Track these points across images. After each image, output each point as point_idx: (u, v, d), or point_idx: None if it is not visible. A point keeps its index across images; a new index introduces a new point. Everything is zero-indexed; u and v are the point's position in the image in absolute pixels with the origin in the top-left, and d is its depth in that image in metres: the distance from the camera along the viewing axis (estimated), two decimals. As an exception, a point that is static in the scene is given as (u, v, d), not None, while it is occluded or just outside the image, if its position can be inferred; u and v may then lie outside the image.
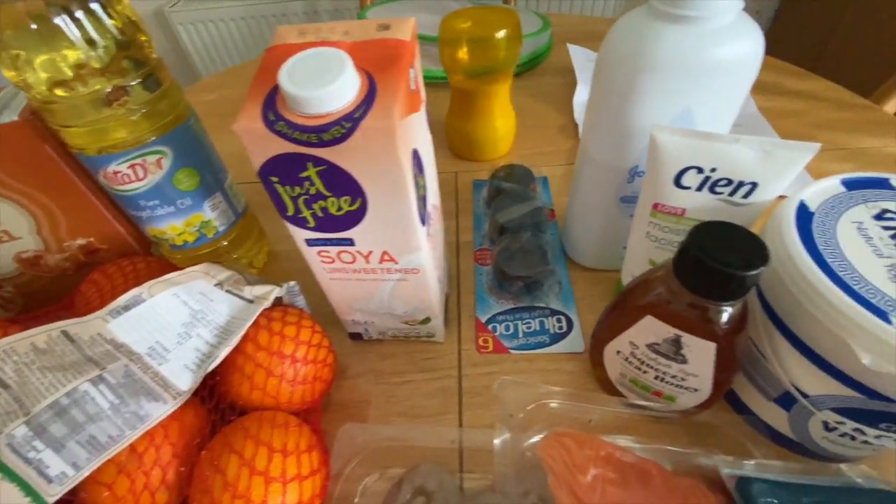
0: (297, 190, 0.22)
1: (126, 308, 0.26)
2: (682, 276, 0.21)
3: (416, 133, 0.25)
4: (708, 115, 0.26)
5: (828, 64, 1.33)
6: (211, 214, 0.34)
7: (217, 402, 0.27)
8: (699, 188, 0.25)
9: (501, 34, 0.42)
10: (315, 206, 0.23)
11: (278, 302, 0.31)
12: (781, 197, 0.25)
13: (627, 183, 0.31)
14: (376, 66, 0.21)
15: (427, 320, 0.32)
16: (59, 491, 0.21)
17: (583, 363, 0.33)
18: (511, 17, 0.43)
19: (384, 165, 0.21)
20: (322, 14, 1.34)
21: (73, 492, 0.21)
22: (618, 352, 0.27)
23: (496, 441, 0.24)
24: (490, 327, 0.36)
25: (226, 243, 0.37)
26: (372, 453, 0.28)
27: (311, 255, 0.27)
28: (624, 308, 0.26)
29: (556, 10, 1.37)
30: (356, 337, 0.35)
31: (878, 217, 0.23)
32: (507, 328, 0.36)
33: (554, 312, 0.36)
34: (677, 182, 0.26)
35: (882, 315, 0.19)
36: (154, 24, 1.40)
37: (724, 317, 0.22)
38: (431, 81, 0.64)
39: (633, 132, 0.28)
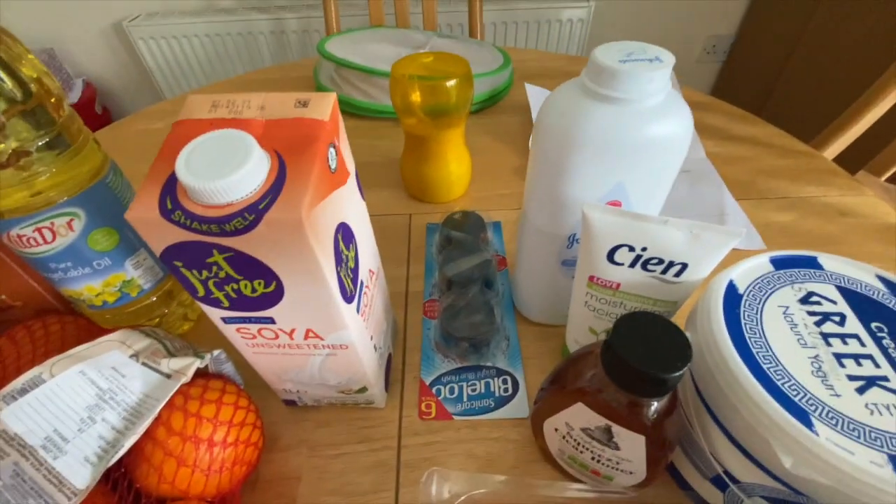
0: (206, 273, 0.21)
1: (22, 392, 0.24)
2: (609, 370, 0.21)
3: (343, 206, 0.23)
4: (640, 189, 0.26)
5: (777, 101, 1.39)
6: (133, 273, 0.32)
7: (121, 497, 0.24)
8: (632, 265, 0.25)
9: (451, 83, 0.42)
10: (227, 288, 0.22)
11: (203, 371, 0.29)
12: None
13: (567, 248, 0.31)
14: (289, 147, 0.20)
15: (364, 389, 0.31)
16: None
17: (527, 430, 0.32)
18: (462, 65, 0.43)
19: (296, 254, 0.19)
20: (289, 34, 1.33)
21: None
22: (556, 429, 0.26)
23: None
24: (434, 390, 0.34)
25: (154, 299, 0.34)
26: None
27: (229, 332, 0.25)
28: (560, 386, 0.25)
29: (522, 41, 1.39)
30: (290, 403, 0.33)
31: (804, 301, 0.24)
32: (452, 391, 0.34)
33: (500, 373, 0.35)
34: (610, 258, 0.25)
35: (804, 418, 0.19)
36: (114, 38, 1.36)
37: (652, 409, 0.21)
38: (391, 117, 0.64)
39: (567, 203, 0.27)
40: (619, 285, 0.26)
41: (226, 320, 0.24)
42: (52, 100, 0.26)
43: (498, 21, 1.35)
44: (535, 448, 0.31)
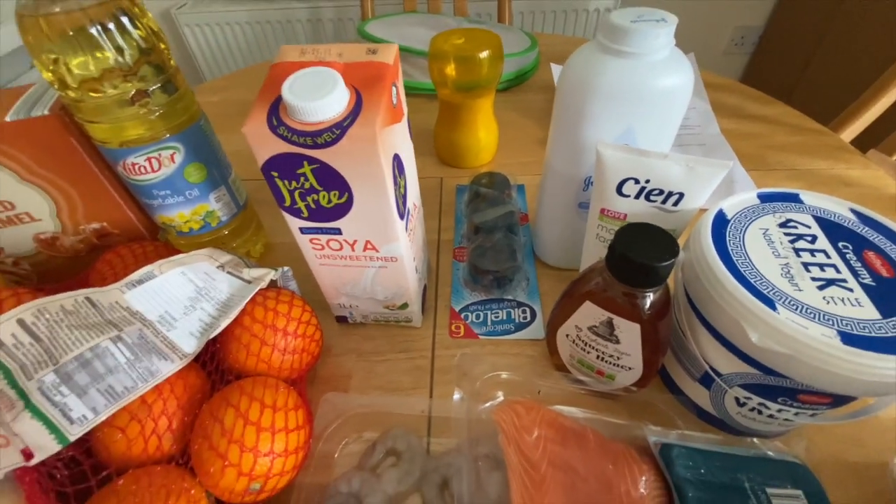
0: (294, 184, 0.26)
1: (140, 282, 0.30)
2: (612, 268, 0.26)
3: (398, 141, 0.29)
4: (648, 134, 0.31)
5: (804, 93, 1.39)
6: (215, 205, 0.38)
7: (217, 366, 0.30)
8: (637, 196, 0.30)
9: (485, 54, 0.47)
10: (309, 199, 0.27)
11: (273, 285, 0.35)
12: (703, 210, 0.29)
13: (583, 191, 0.35)
14: (363, 83, 0.25)
15: (405, 306, 0.36)
16: (80, 431, 0.24)
17: (542, 349, 0.37)
18: (494, 38, 0.48)
19: (367, 166, 0.25)
20: (325, 21, 1.39)
21: (90, 433, 0.25)
22: (567, 335, 0.31)
23: (455, 397, 0.28)
24: (462, 315, 0.40)
25: (227, 232, 0.41)
26: (350, 419, 0.32)
27: (303, 242, 0.31)
28: (571, 296, 0.30)
29: (550, 30, 1.43)
30: (342, 320, 0.39)
31: (783, 225, 0.28)
32: (478, 317, 0.40)
33: (520, 304, 0.41)
34: (619, 191, 0.30)
35: (769, 303, 0.24)
36: (161, 24, 1.45)
37: (647, 302, 0.26)
38: (425, 93, 0.69)
39: (584, 147, 0.32)
40: (625, 216, 0.31)
41: (302, 230, 0.30)
42: (165, 50, 0.32)
43: (526, 10, 1.38)
44: (550, 364, 0.36)
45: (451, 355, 0.37)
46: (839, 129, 0.69)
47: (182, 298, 0.30)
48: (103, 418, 0.25)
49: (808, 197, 0.30)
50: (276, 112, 0.24)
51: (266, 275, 0.33)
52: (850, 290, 0.24)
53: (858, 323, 0.23)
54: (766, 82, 1.55)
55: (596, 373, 0.32)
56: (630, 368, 0.29)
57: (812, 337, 0.22)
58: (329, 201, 0.27)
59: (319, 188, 0.27)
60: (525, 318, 0.39)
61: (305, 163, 0.25)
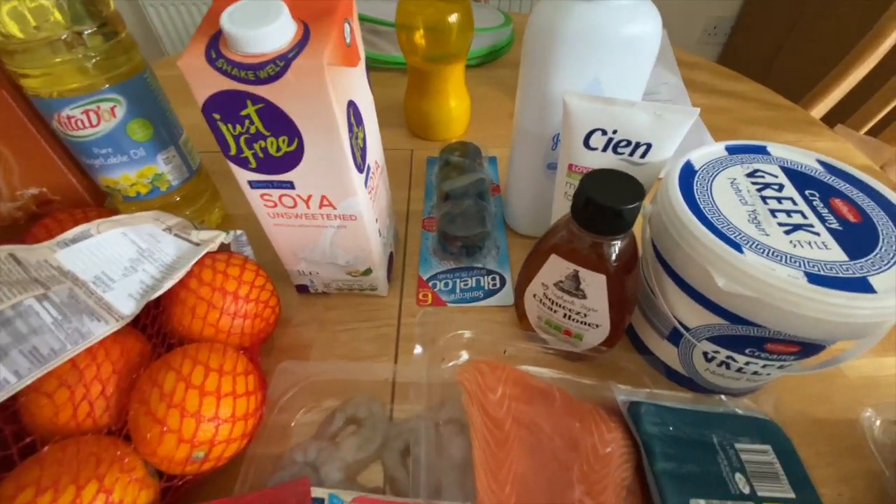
0: (238, 129, 0.24)
1: (74, 241, 0.28)
2: (577, 216, 0.25)
3: (354, 87, 0.27)
4: (615, 85, 0.30)
5: (777, 80, 1.42)
6: (164, 168, 0.36)
7: (159, 329, 0.28)
8: (604, 149, 0.29)
9: (454, 18, 0.45)
10: (255, 146, 0.25)
11: (226, 249, 0.33)
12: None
13: (551, 150, 0.34)
14: (312, 16, 0.23)
15: (369, 271, 0.34)
16: (1, 396, 0.22)
17: (511, 315, 0.36)
18: (463, 4, 0.46)
19: (316, 105, 0.23)
20: (297, 4, 1.35)
21: (14, 398, 0.23)
22: (534, 295, 0.30)
23: (416, 351, 0.27)
24: (431, 284, 0.38)
25: (178, 199, 0.38)
26: (308, 387, 0.30)
27: (254, 198, 0.29)
28: (537, 253, 0.29)
29: (527, 9, 1.42)
30: (303, 289, 0.37)
31: (750, 175, 0.27)
32: (447, 285, 0.38)
33: (490, 272, 0.39)
34: (586, 143, 0.29)
35: (736, 246, 0.23)
36: (124, 4, 1.38)
37: (614, 253, 0.25)
38: (397, 66, 0.67)
39: (551, 101, 0.31)
40: (593, 170, 0.30)
41: (252, 184, 0.28)
42: (103, -7, 0.29)
43: (502, -4, 1.37)
44: (519, 329, 0.35)
45: (416, 317, 0.35)
46: (809, 106, 0.70)
47: (121, 259, 0.28)
48: (27, 383, 0.23)
49: (776, 149, 0.29)
50: (216, 45, 0.22)
51: (216, 237, 0.31)
52: (817, 234, 0.24)
53: (825, 264, 0.22)
54: (739, 71, 1.58)
55: (563, 333, 0.31)
56: (597, 326, 0.29)
57: (779, 278, 0.21)
58: (278, 149, 0.25)
59: (266, 133, 0.25)
60: (494, 285, 0.38)
61: (249, 102, 0.23)
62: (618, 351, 0.32)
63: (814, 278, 0.21)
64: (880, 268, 0.22)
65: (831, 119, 0.70)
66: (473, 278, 0.39)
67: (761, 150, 0.29)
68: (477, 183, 0.42)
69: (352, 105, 0.27)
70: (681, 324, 0.27)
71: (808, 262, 0.22)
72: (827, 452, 0.29)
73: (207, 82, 0.22)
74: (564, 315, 0.29)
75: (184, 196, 0.39)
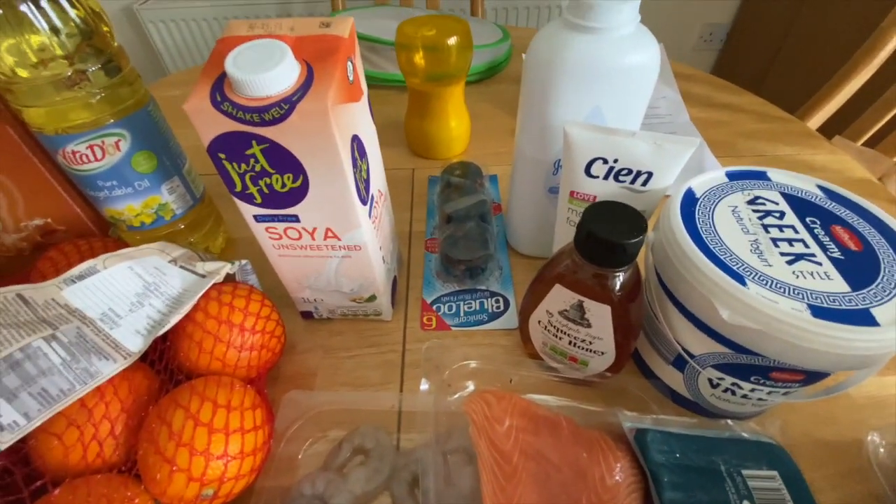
0: (244, 167, 0.25)
1: (80, 277, 0.28)
2: (581, 248, 0.25)
3: (357, 121, 0.27)
4: (616, 114, 0.30)
5: (773, 86, 1.43)
6: (168, 197, 0.36)
7: (166, 365, 0.28)
8: (606, 177, 0.29)
9: (453, 41, 0.46)
10: (261, 183, 0.26)
11: (231, 279, 0.33)
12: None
13: (552, 175, 0.34)
14: (316, 57, 0.24)
15: (373, 298, 0.35)
16: (11, 438, 0.22)
17: (515, 339, 0.36)
18: (462, 25, 0.47)
19: (321, 145, 0.23)
20: (295, 16, 1.36)
21: (24, 440, 0.23)
22: (538, 322, 0.30)
23: (422, 388, 0.27)
24: (434, 307, 0.39)
25: (183, 226, 0.38)
26: (315, 417, 0.30)
27: (259, 231, 0.29)
28: (541, 281, 0.29)
29: (524, 25, 1.43)
30: (307, 316, 0.37)
31: (751, 202, 0.28)
32: (451, 308, 0.38)
33: (493, 294, 0.39)
34: (587, 171, 0.29)
35: (739, 279, 0.23)
36: (124, 21, 1.39)
37: (617, 283, 0.25)
38: (396, 84, 0.67)
39: (552, 128, 0.31)
40: (595, 197, 0.30)
41: (257, 218, 0.28)
42: (106, 30, 0.30)
43: (500, 6, 1.38)
44: (524, 353, 0.35)
45: (422, 348, 0.35)
46: (806, 117, 0.71)
47: (128, 294, 0.28)
48: (37, 424, 0.23)
49: (776, 174, 0.29)
50: (221, 88, 0.23)
51: (221, 268, 0.31)
52: (819, 263, 0.24)
53: (828, 296, 0.22)
54: (735, 77, 1.58)
55: (569, 359, 0.31)
56: (602, 353, 0.29)
57: (782, 311, 0.21)
58: (283, 185, 0.26)
59: (272, 171, 0.25)
60: (498, 307, 0.38)
61: (254, 142, 0.23)
62: (624, 376, 0.32)
63: (817, 311, 0.21)
64: (882, 299, 0.22)
65: (830, 129, 0.70)
66: (477, 301, 0.39)
67: (762, 176, 0.29)
68: (478, 204, 0.43)
69: (355, 139, 0.27)
70: (685, 351, 0.27)
71: (812, 294, 0.22)
72: (833, 475, 0.29)
73: (213, 125, 0.23)
74: (570, 342, 0.29)
75: (188, 224, 0.39)
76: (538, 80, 0.30)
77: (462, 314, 0.38)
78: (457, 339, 0.36)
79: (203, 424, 0.24)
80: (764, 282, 0.23)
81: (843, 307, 0.22)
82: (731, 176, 0.29)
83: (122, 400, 0.26)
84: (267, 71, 0.22)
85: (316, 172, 0.25)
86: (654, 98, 0.62)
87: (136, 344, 0.27)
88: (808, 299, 0.22)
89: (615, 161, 0.28)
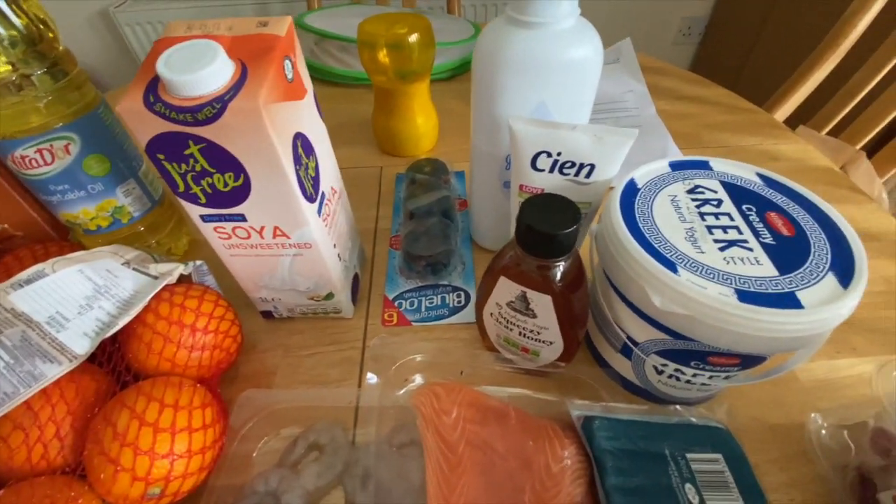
0: (184, 167, 0.25)
1: (28, 281, 0.28)
2: (520, 240, 0.25)
3: (301, 119, 0.28)
4: (561, 108, 0.31)
5: (750, 77, 1.44)
6: (124, 200, 0.36)
7: (115, 367, 0.28)
8: (551, 170, 0.29)
9: (414, 38, 0.46)
10: (203, 182, 0.26)
11: (187, 280, 0.33)
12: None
13: (505, 169, 0.35)
14: (251, 56, 0.24)
15: (331, 296, 0.35)
16: (-49, 444, 0.22)
17: (475, 332, 0.37)
18: (423, 22, 0.47)
19: (257, 143, 0.24)
20: (274, 16, 1.35)
21: (-35, 445, 0.23)
22: (491, 314, 0.31)
23: (368, 381, 0.27)
24: (396, 303, 0.39)
25: (142, 228, 0.38)
26: (271, 414, 0.30)
27: (208, 231, 0.29)
28: (490, 273, 0.29)
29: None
30: (268, 315, 0.37)
31: (691, 191, 0.28)
32: (412, 304, 0.39)
33: (455, 289, 0.40)
34: (533, 165, 0.30)
35: (671, 266, 0.23)
36: (100, 24, 1.38)
37: (558, 274, 0.26)
38: (366, 83, 0.68)
39: (501, 123, 0.32)
40: (543, 190, 0.30)
41: (204, 218, 0.28)
42: (51, 35, 0.30)
43: (478, 3, 1.38)
44: (482, 346, 0.35)
45: (370, 345, 0.36)
46: (774, 108, 0.72)
47: (77, 297, 0.28)
48: (-21, 429, 0.23)
49: (717, 163, 0.30)
50: (154, 89, 0.23)
51: (174, 269, 0.31)
52: (751, 249, 0.24)
53: (756, 280, 0.23)
54: (715, 69, 1.60)
55: (521, 350, 0.31)
56: (551, 343, 0.29)
57: (710, 297, 0.22)
58: (225, 184, 0.26)
59: (212, 170, 0.25)
60: (459, 302, 0.39)
61: (191, 142, 0.24)
62: (578, 365, 0.33)
63: (744, 296, 0.22)
64: (809, 282, 0.23)
65: (799, 120, 0.71)
66: (439, 296, 0.39)
67: (704, 166, 0.30)
68: (441, 200, 0.43)
69: (299, 137, 0.27)
70: (630, 339, 0.28)
71: (740, 279, 0.23)
72: (779, 458, 0.29)
73: (147, 125, 0.23)
74: (519, 333, 0.30)
75: (148, 226, 0.39)
76: (484, 76, 0.30)
77: (423, 309, 0.38)
78: (417, 334, 0.37)
79: (148, 424, 0.24)
80: (695, 268, 0.23)
81: (770, 291, 0.22)
82: (674, 166, 0.30)
83: (69, 402, 0.26)
84: (197, 71, 0.22)
85: (256, 171, 0.25)
86: (622, 92, 0.62)
87: (82, 346, 0.27)
88: (736, 284, 0.22)
89: (559, 154, 0.29)
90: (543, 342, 0.29)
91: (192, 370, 0.29)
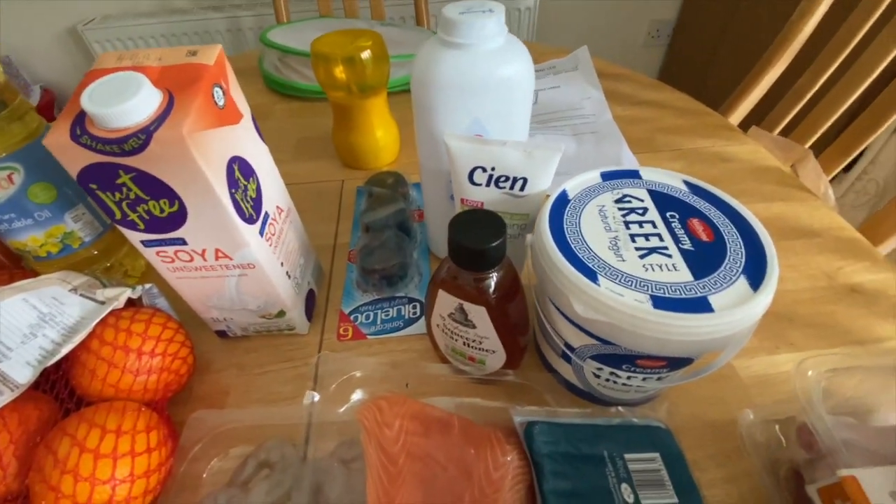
0: (118, 195, 0.25)
1: (-31, 313, 0.28)
2: (452, 255, 0.26)
3: (238, 142, 0.28)
4: (496, 124, 0.32)
5: (716, 78, 1.48)
6: (74, 226, 0.36)
7: (58, 394, 0.29)
8: (488, 184, 0.30)
9: (366, 54, 0.47)
10: (139, 209, 0.26)
11: (138, 304, 0.33)
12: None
13: (450, 183, 0.36)
14: (178, 86, 0.24)
15: (282, 313, 0.35)
16: None
17: (428, 342, 0.37)
18: (375, 37, 0.48)
19: (186, 170, 0.24)
20: (245, 31, 1.36)
21: None
22: (437, 325, 0.32)
23: (305, 401, 0.28)
24: (352, 317, 0.39)
25: (96, 252, 0.39)
26: (221, 434, 0.31)
27: (150, 256, 0.29)
28: (431, 285, 0.30)
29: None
30: (222, 335, 0.37)
31: (619, 200, 0.29)
32: (368, 317, 0.39)
33: (411, 300, 0.41)
34: (471, 179, 0.30)
35: (592, 275, 0.24)
36: (70, 42, 1.37)
37: (491, 285, 0.27)
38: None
39: (439, 140, 0.32)
40: (482, 204, 0.31)
41: (145, 244, 0.28)
42: (-14, 66, 0.30)
43: (448, 13, 1.40)
44: (435, 356, 0.36)
45: (336, 359, 0.36)
46: (730, 111, 0.74)
47: (21, 326, 0.28)
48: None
49: (647, 172, 0.31)
50: (82, 122, 0.23)
51: (121, 294, 0.32)
52: (670, 255, 0.25)
53: (671, 286, 0.24)
54: (683, 70, 1.64)
55: (469, 359, 0.32)
56: (493, 351, 0.30)
57: (626, 304, 0.23)
58: (161, 210, 0.26)
59: (146, 197, 0.25)
60: (415, 313, 0.39)
61: (121, 171, 0.24)
62: (528, 371, 0.33)
63: (658, 302, 0.23)
64: (721, 286, 0.24)
65: (754, 121, 0.74)
66: (395, 308, 0.40)
67: (634, 175, 0.31)
68: (397, 213, 0.44)
69: (236, 161, 0.28)
70: (567, 344, 0.29)
71: (656, 286, 0.24)
72: (717, 454, 0.31)
73: (76, 158, 0.23)
74: (464, 343, 0.31)
75: (102, 250, 0.39)
76: (420, 96, 0.31)
77: (379, 322, 0.39)
78: (371, 348, 0.37)
79: (89, 451, 0.25)
80: (615, 276, 0.24)
81: (684, 296, 0.23)
82: (605, 176, 0.31)
83: (12, 431, 0.26)
84: (121, 103, 0.22)
85: (190, 197, 0.26)
86: (580, 99, 0.64)
87: (24, 375, 0.27)
88: (652, 290, 0.24)
89: (493, 169, 0.30)
90: (486, 351, 0.30)
91: (137, 394, 0.29)
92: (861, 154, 1.03)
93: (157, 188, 0.25)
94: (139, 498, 0.26)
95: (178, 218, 0.27)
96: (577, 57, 0.70)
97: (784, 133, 0.67)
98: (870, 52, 0.58)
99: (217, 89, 0.26)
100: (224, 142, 0.26)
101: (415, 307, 0.40)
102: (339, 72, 0.47)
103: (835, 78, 0.63)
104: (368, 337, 0.38)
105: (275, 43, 0.70)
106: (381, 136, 0.54)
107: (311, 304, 0.39)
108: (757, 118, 0.73)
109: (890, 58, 0.57)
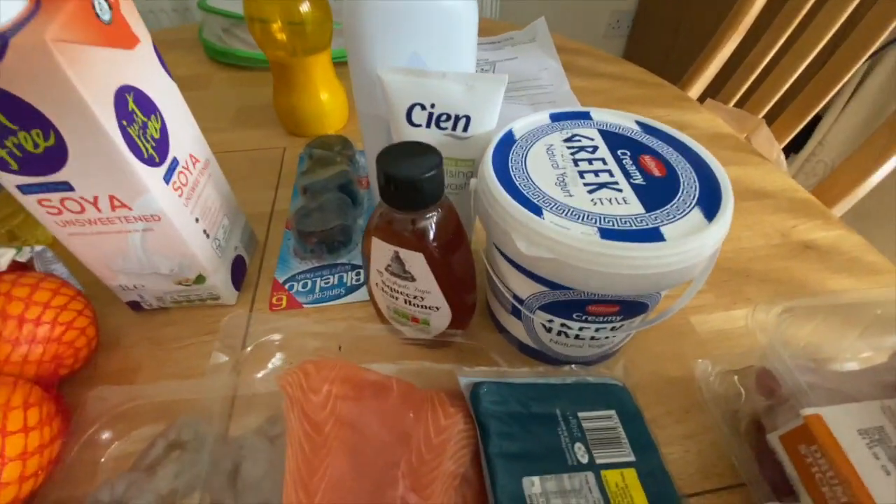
0: (-23, 124, 0.21)
1: None
2: (383, 194, 0.23)
3: (134, 71, 0.24)
4: (436, 59, 0.29)
5: (677, 60, 1.51)
6: (-49, 183, 0.31)
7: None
8: (428, 124, 0.28)
9: (305, 7, 0.43)
10: (8, 144, 0.22)
11: (29, 268, 0.29)
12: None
13: (390, 130, 0.33)
14: (46, -10, 0.20)
15: (201, 279, 0.31)
16: None
17: (372, 310, 0.34)
18: (315, -10, 0.44)
19: (57, 90, 0.20)
20: (193, 10, 1.28)
21: None
22: (376, 284, 0.29)
23: (212, 362, 0.24)
24: (287, 286, 0.36)
25: (-17, 216, 0.33)
26: (125, 413, 0.27)
27: (32, 205, 0.25)
28: (365, 236, 0.27)
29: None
30: (135, 306, 0.33)
31: (568, 140, 0.27)
32: (305, 286, 0.36)
33: (355, 267, 0.37)
34: (409, 119, 0.28)
35: (536, 210, 0.22)
36: None
37: (429, 229, 0.24)
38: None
39: (374, 78, 0.29)
40: (423, 148, 0.29)
41: (23, 189, 0.24)
42: None
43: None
44: (377, 322, 0.33)
45: (267, 329, 0.32)
46: (688, 86, 0.74)
47: None
48: None
49: (598, 113, 0.29)
50: (-82, 26, 0.19)
51: (2, 255, 0.27)
52: (620, 190, 0.23)
53: (620, 218, 0.22)
54: (644, 61, 1.66)
55: (412, 321, 0.29)
56: (437, 308, 0.27)
57: (572, 236, 0.21)
58: (35, 145, 0.22)
59: (14, 126, 0.21)
60: (358, 280, 0.36)
61: (-25, 91, 0.20)
62: (478, 332, 0.31)
63: (606, 233, 0.21)
64: (674, 217, 0.22)
65: (710, 96, 0.74)
66: (336, 275, 0.37)
67: (584, 116, 0.29)
68: (339, 175, 0.40)
69: (130, 91, 0.24)
70: (515, 297, 0.26)
71: (604, 219, 0.22)
72: (676, 410, 0.29)
73: None
74: (405, 301, 0.28)
75: (-8, 215, 0.34)
76: (355, 27, 0.28)
77: (318, 290, 0.35)
78: (308, 316, 0.34)
79: (-61, 431, 0.20)
80: (561, 211, 0.22)
81: (634, 227, 0.21)
82: (555, 117, 0.29)
83: None
84: (-38, -1, 0.18)
85: (67, 127, 0.22)
86: (538, 69, 0.62)
87: None
88: (600, 223, 0.21)
89: (432, 106, 0.27)
90: (429, 308, 0.27)
91: (15, 366, 0.25)
92: (810, 134, 1.06)
93: (24, 114, 0.21)
94: (13, 484, 0.22)
95: (58, 154, 0.23)
96: (534, 28, 0.68)
97: (738, 105, 0.67)
98: (814, 26, 0.59)
99: (101, 1, 0.22)
100: (114, 66, 0.23)
101: (358, 274, 0.37)
102: (279, 29, 0.44)
103: (783, 50, 0.64)
104: (305, 306, 0.34)
105: (213, 8, 0.64)
106: (327, 100, 0.51)
107: (239, 272, 0.35)
108: (713, 93, 0.74)
109: (833, 31, 0.58)
